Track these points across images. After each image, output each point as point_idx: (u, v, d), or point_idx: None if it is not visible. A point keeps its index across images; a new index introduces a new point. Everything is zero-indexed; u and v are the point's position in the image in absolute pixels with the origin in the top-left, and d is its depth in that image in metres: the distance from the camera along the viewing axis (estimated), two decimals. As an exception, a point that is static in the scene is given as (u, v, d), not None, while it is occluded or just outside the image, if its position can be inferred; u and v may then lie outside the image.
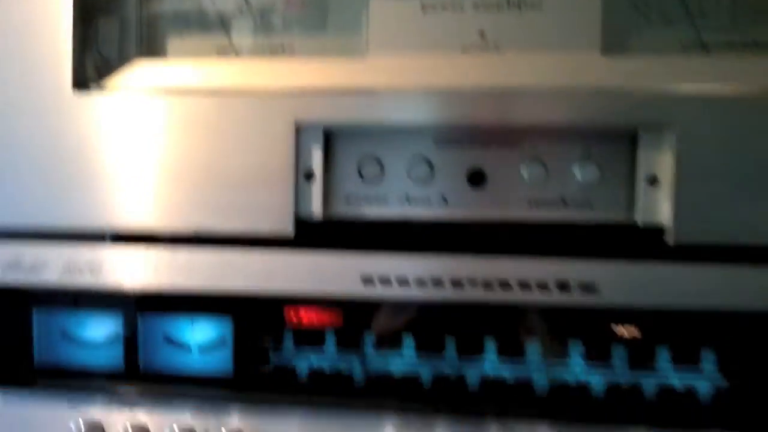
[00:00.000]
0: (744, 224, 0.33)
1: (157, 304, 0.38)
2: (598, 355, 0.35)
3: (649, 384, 0.35)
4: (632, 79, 0.34)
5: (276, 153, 0.35)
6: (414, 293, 0.35)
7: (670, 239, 0.34)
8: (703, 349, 0.35)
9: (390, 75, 0.37)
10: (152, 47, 0.40)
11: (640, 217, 0.35)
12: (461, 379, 0.36)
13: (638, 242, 0.35)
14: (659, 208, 0.34)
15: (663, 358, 0.35)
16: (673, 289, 0.34)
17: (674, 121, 0.33)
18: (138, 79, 0.38)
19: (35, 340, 0.39)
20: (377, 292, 0.36)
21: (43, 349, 0.39)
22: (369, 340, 0.37)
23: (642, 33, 0.36)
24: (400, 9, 0.37)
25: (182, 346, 0.38)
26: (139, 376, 0.38)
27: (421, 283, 0.35)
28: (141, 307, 0.38)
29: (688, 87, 0.34)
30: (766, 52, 0.36)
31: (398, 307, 0.36)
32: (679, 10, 0.36)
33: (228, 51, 0.39)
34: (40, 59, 0.37)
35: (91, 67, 0.38)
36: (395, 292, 0.36)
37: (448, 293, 0.35)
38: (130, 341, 0.38)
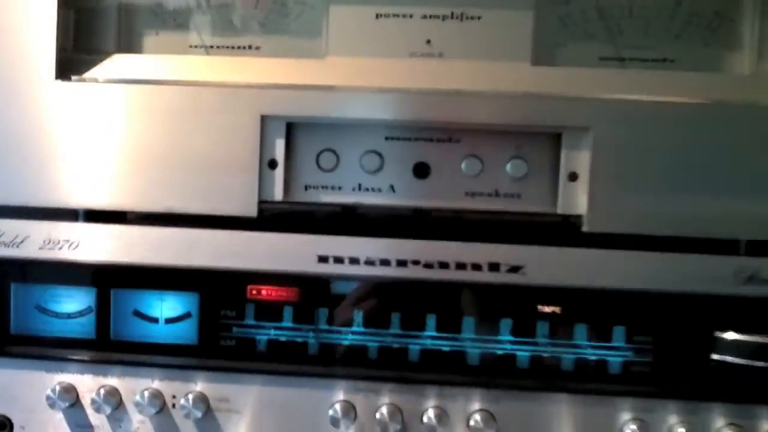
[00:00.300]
0: (649, 215, 0.38)
1: (129, 279, 0.41)
2: (523, 329, 0.40)
3: (567, 356, 0.40)
4: (557, 87, 0.39)
5: (243, 142, 0.39)
6: (364, 272, 0.40)
7: (585, 227, 0.39)
8: (615, 325, 0.40)
9: (346, 75, 0.41)
10: (130, 43, 0.43)
11: (561, 208, 0.40)
12: (404, 350, 0.41)
13: (559, 230, 0.39)
14: (578, 200, 0.39)
15: (580, 332, 0.40)
16: (588, 271, 0.39)
17: (592, 125, 0.38)
18: (115, 72, 0.42)
19: (12, 311, 0.42)
20: (331, 270, 0.40)
21: (20, 320, 0.42)
22: (323, 314, 0.41)
23: (568, 47, 0.41)
24: (356, 16, 0.41)
25: (151, 319, 0.42)
26: (110, 346, 0.42)
27: (370, 262, 0.39)
28: (113, 282, 0.41)
29: (605, 95, 0.39)
30: (673, 66, 0.41)
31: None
32: (601, 28, 0.41)
33: (200, 49, 0.43)
34: (27, 52, 0.40)
35: (73, 60, 0.41)
36: (347, 270, 0.40)
37: (393, 272, 0.39)
38: (102, 313, 0.42)
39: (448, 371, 0.40)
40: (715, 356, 0.39)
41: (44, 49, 0.40)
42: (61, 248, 0.41)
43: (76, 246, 0.41)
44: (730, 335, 0.38)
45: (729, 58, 0.40)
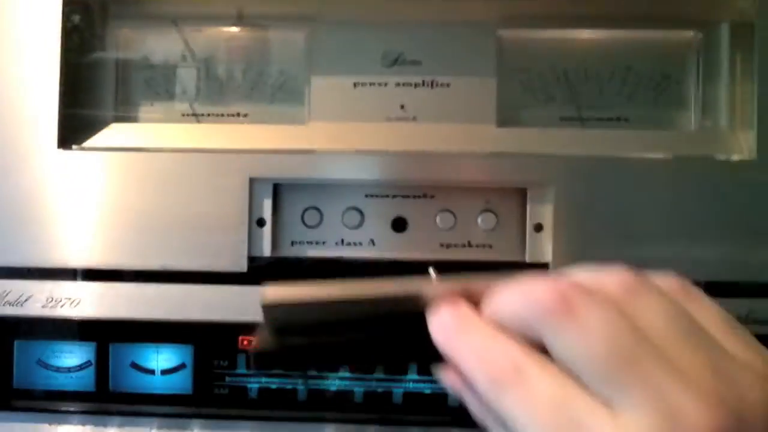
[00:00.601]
0: (609, 262, 0.41)
1: (126, 333, 0.44)
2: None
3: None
4: (522, 146, 0.43)
5: (233, 203, 0.42)
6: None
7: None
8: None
9: (327, 139, 0.44)
10: (126, 112, 0.46)
11: (529, 257, 0.43)
12: (388, 394, 0.43)
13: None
14: (544, 249, 0.42)
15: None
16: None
17: (554, 180, 0.42)
18: (113, 140, 0.45)
19: (15, 366, 0.45)
20: (317, 320, 0.42)
21: (22, 375, 0.45)
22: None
23: (530, 109, 0.45)
24: (335, 85, 0.45)
25: (147, 371, 0.44)
26: (109, 397, 0.44)
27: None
28: (112, 336, 0.44)
29: (566, 152, 0.42)
30: (627, 125, 0.45)
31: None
32: (561, 90, 0.45)
33: (191, 117, 0.46)
34: (30, 123, 0.43)
35: (73, 130, 0.45)
36: (332, 320, 0.42)
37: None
38: (101, 366, 0.44)
39: (429, 412, 0.43)
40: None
41: (47, 121, 0.43)
42: (63, 306, 0.43)
43: (77, 303, 0.43)
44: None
45: (677, 117, 0.44)
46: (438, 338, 0.26)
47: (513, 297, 0.24)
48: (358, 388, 0.43)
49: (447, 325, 0.26)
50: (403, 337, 0.27)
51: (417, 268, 0.43)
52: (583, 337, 0.22)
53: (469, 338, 0.25)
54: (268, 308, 0.27)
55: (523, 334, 0.24)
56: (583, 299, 0.23)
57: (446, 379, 0.27)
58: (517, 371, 0.23)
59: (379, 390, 0.43)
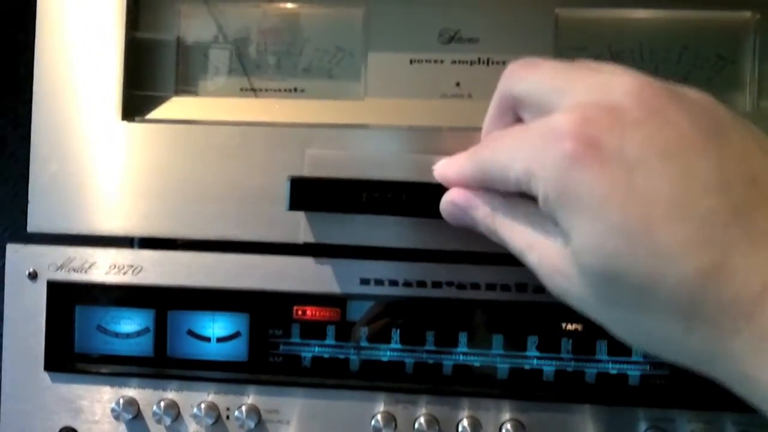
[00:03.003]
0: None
1: (184, 301, 0.45)
2: (548, 345, 0.43)
3: (590, 369, 0.43)
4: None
5: (290, 174, 0.43)
6: (402, 293, 0.43)
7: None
8: (633, 341, 0.43)
9: (382, 115, 0.45)
10: (186, 87, 0.48)
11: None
12: (438, 365, 0.44)
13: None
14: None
15: (601, 348, 0.43)
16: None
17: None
18: (174, 113, 0.46)
19: (76, 331, 0.46)
20: (372, 291, 0.44)
21: (82, 340, 0.46)
22: (363, 332, 0.45)
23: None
24: (392, 61, 0.45)
25: (203, 338, 0.46)
26: (167, 362, 0.46)
27: (407, 284, 0.43)
28: (170, 304, 0.45)
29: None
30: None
31: (389, 305, 0.44)
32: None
33: (249, 92, 0.47)
34: (96, 95, 0.45)
35: (136, 103, 0.46)
36: (386, 291, 0.43)
37: (429, 293, 0.43)
38: (159, 333, 0.46)
39: (479, 384, 0.44)
40: (726, 369, 0.42)
41: (111, 92, 0.45)
42: (125, 273, 0.45)
43: (139, 271, 0.45)
44: (740, 349, 0.41)
45: (732, 97, 0.44)
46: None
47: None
48: (409, 360, 0.44)
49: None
50: None
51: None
52: None
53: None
54: None
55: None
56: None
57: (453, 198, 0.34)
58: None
59: (430, 361, 0.44)
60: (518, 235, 0.33)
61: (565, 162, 0.27)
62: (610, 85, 0.28)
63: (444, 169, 0.37)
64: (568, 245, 0.29)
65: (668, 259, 0.25)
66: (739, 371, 0.26)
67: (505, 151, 0.31)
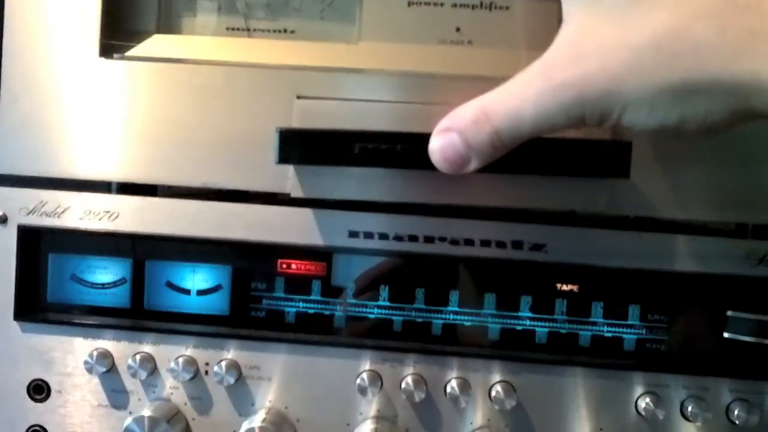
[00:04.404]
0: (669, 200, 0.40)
1: (163, 251, 0.43)
2: (542, 306, 0.42)
3: (584, 332, 0.42)
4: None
5: (278, 121, 0.41)
6: (392, 247, 0.41)
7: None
8: (630, 304, 0.42)
9: (377, 59, 0.42)
10: (169, 25, 0.45)
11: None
12: (428, 324, 0.42)
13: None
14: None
15: (596, 310, 0.42)
16: (606, 251, 0.40)
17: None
18: (156, 51, 0.43)
19: (49, 280, 0.44)
20: (361, 245, 0.41)
21: (55, 289, 0.44)
22: (350, 288, 0.43)
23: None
24: (389, 4, 0.43)
25: (183, 290, 0.44)
26: (144, 315, 0.43)
27: (398, 238, 0.41)
28: (148, 254, 0.43)
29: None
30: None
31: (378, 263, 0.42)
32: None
33: (236, 31, 0.45)
34: (73, 31, 0.42)
35: (115, 40, 0.43)
36: (376, 245, 0.41)
37: (420, 247, 0.41)
38: (137, 284, 0.43)
39: (469, 344, 0.42)
40: (726, 334, 0.40)
41: (89, 28, 0.42)
42: (101, 219, 0.42)
43: (115, 217, 0.42)
44: (742, 314, 0.40)
45: None
46: None
47: None
48: (397, 318, 0.42)
49: None
50: None
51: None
52: None
53: None
54: None
55: None
56: None
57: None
58: None
59: (419, 320, 0.42)
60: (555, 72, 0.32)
61: None
62: None
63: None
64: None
65: None
66: None
67: None
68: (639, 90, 0.29)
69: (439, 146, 0.35)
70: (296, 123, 0.40)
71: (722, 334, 0.40)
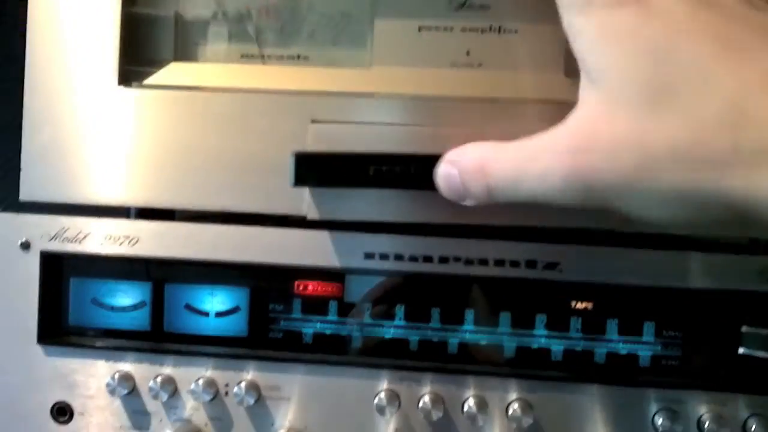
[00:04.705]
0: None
1: (182, 274, 0.44)
2: (557, 324, 0.42)
3: (600, 349, 0.42)
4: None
5: (294, 145, 0.41)
6: (407, 268, 0.42)
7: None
8: (645, 321, 0.42)
9: (390, 83, 0.43)
10: (185, 53, 0.46)
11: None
12: (444, 343, 0.43)
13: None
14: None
15: (611, 327, 0.42)
16: (621, 269, 0.41)
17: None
18: (173, 79, 0.44)
19: (71, 304, 0.45)
20: (376, 266, 0.42)
21: (76, 313, 0.45)
22: (366, 308, 0.43)
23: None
24: (400, 29, 0.44)
25: (202, 312, 0.44)
26: (164, 337, 0.44)
27: (413, 259, 0.42)
28: (167, 277, 0.44)
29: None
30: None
31: (393, 282, 0.43)
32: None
33: (251, 58, 0.46)
34: (92, 60, 0.43)
35: (133, 68, 0.44)
36: (391, 266, 0.42)
37: (435, 268, 0.42)
38: (156, 307, 0.44)
39: (485, 363, 0.42)
40: (741, 350, 0.41)
41: (108, 58, 0.43)
42: (121, 244, 0.43)
43: (135, 242, 0.43)
44: (756, 330, 0.40)
45: None
46: None
47: None
48: (414, 337, 0.43)
49: None
50: None
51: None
52: None
53: None
54: None
55: None
56: None
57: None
58: None
59: (435, 339, 0.43)
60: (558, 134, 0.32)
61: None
62: None
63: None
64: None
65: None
66: None
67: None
68: (648, 193, 0.28)
69: (442, 175, 0.36)
70: (311, 147, 0.41)
71: (737, 350, 0.41)
